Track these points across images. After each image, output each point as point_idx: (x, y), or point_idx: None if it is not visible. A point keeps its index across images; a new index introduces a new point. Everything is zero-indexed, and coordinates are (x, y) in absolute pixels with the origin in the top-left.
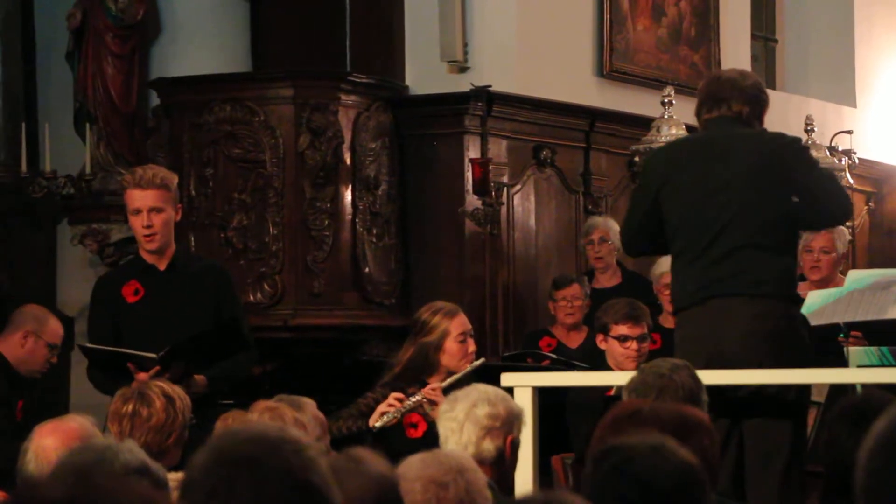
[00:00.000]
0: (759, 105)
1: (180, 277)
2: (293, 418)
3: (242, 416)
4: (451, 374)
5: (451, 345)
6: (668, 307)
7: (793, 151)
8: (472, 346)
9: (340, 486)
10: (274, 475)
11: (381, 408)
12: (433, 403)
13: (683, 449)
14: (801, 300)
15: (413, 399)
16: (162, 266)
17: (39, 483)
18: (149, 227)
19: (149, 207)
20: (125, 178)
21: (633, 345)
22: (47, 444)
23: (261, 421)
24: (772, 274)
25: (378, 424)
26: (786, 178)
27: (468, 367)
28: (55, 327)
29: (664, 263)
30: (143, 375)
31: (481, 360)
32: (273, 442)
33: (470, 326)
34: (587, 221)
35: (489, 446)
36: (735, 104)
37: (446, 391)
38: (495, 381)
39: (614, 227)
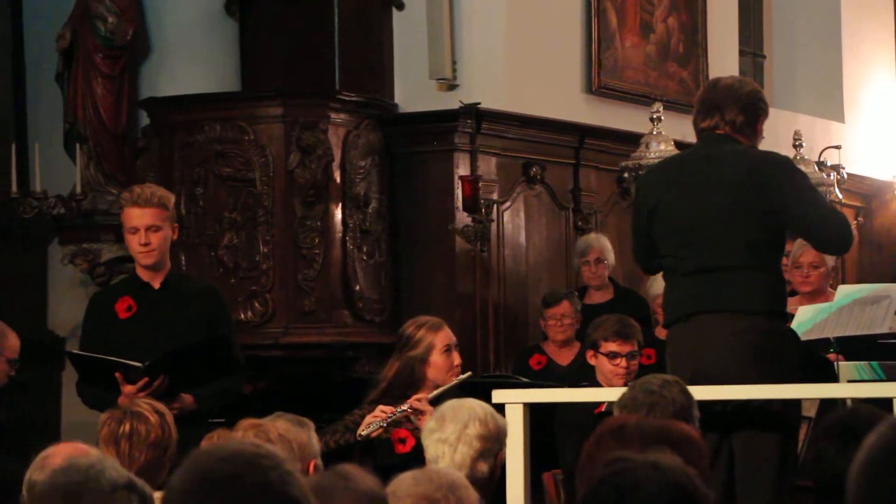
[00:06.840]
0: (755, 112)
1: (173, 296)
2: (278, 435)
3: (227, 435)
4: (437, 387)
5: (436, 358)
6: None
7: (781, 173)
8: (457, 359)
9: (329, 502)
10: (253, 491)
11: (368, 418)
12: (420, 413)
13: (689, 466)
14: (788, 316)
15: (400, 409)
16: (156, 284)
17: None
18: (146, 244)
19: (146, 226)
20: (123, 196)
21: (623, 362)
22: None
23: (238, 438)
24: (754, 291)
25: (364, 433)
26: (771, 198)
27: (455, 380)
28: (14, 343)
29: (658, 283)
30: (129, 388)
31: (468, 373)
32: (250, 458)
33: (454, 339)
34: (582, 241)
35: (483, 467)
36: (729, 112)
37: (433, 402)
38: (485, 397)
39: (607, 245)
